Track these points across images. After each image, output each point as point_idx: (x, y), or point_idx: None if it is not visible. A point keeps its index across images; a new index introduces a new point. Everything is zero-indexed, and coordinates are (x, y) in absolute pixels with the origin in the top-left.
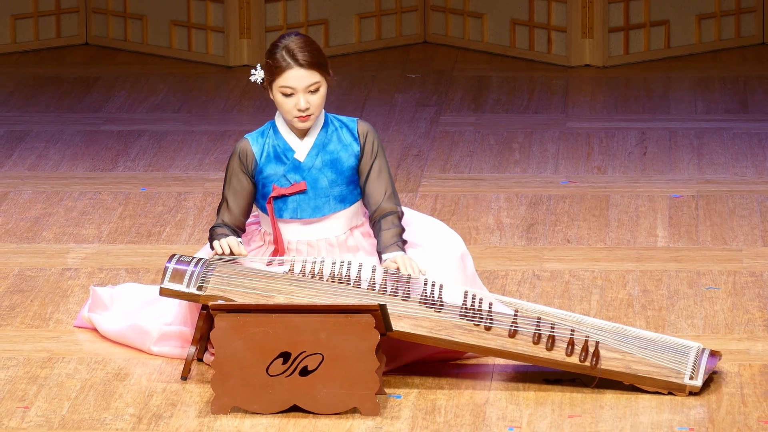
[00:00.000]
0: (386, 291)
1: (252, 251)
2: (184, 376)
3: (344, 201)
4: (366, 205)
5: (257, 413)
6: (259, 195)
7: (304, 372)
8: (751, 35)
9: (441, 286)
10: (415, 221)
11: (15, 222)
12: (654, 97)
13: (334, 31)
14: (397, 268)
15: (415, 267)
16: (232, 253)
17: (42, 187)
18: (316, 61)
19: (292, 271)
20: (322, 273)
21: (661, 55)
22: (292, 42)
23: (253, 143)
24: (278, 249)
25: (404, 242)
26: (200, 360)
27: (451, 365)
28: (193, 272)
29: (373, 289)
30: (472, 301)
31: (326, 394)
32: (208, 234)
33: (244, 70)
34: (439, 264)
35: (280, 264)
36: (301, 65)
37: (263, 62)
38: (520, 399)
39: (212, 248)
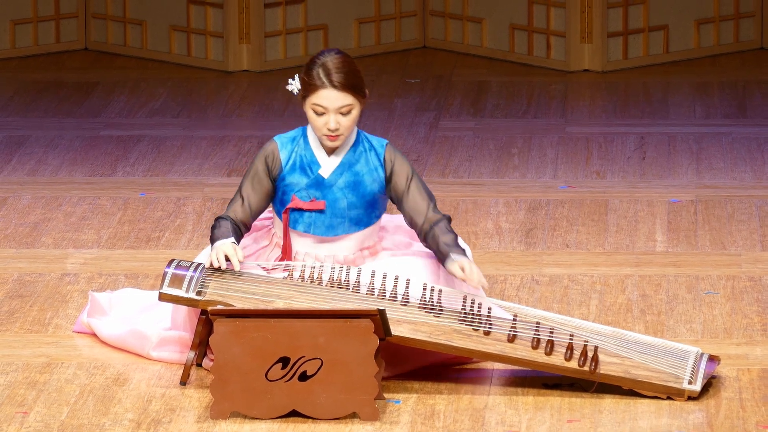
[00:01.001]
0: (385, 296)
1: (258, 250)
2: (183, 382)
3: (359, 224)
4: (412, 224)
5: (256, 418)
6: (277, 200)
7: (303, 377)
8: (749, 40)
9: (440, 290)
10: None
11: (14, 227)
12: (653, 102)
13: (333, 36)
14: (462, 274)
15: (480, 278)
16: (227, 258)
17: (41, 192)
18: (351, 84)
19: (291, 276)
20: (321, 278)
21: (660, 60)
22: (330, 61)
23: (282, 148)
24: (285, 257)
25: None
26: (199, 365)
27: (450, 370)
28: (192, 277)
29: (372, 294)
30: (471, 306)
31: (325, 399)
32: (208, 238)
33: (243, 75)
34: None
35: (276, 269)
36: (334, 86)
37: (301, 73)
38: (519, 404)
39: (211, 243)
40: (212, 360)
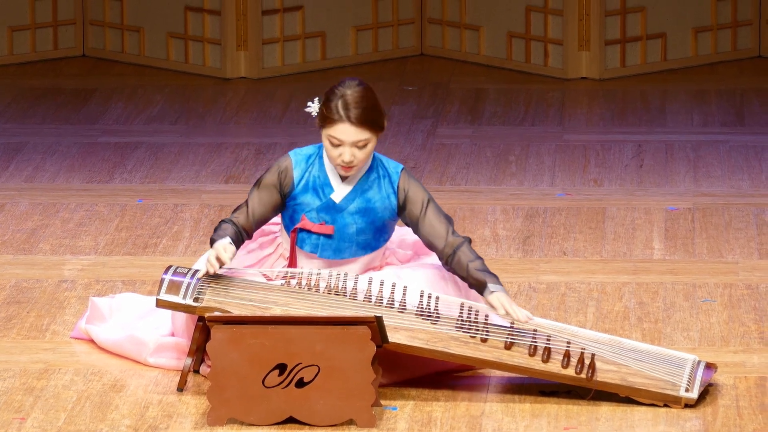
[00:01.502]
0: (382, 303)
1: (263, 258)
2: (180, 388)
3: (367, 248)
4: (432, 248)
5: (253, 425)
6: (287, 216)
7: (300, 383)
8: (747, 48)
9: (437, 298)
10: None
11: (11, 233)
12: (650, 110)
13: (330, 44)
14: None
15: (522, 313)
16: (219, 261)
17: (39, 198)
18: (369, 119)
19: (288, 283)
20: (318, 285)
21: (657, 67)
22: (350, 94)
23: (296, 166)
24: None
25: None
26: (197, 371)
27: (447, 377)
28: (189, 284)
29: (370, 301)
30: (468, 313)
31: (322, 406)
32: (206, 245)
33: (240, 82)
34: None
35: (270, 277)
36: (352, 122)
37: (321, 102)
38: (516, 411)
39: (211, 244)
40: (209, 366)
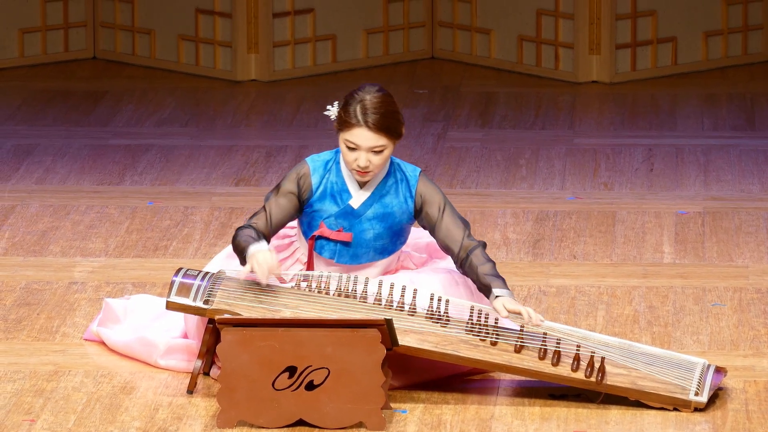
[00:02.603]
0: (392, 306)
1: (279, 262)
2: (190, 390)
3: (384, 252)
4: (447, 251)
5: (263, 427)
6: (305, 223)
7: (310, 386)
8: (758, 52)
9: (447, 301)
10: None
11: (22, 235)
12: (661, 114)
13: (341, 46)
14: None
15: (533, 315)
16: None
17: (49, 200)
18: (386, 125)
19: (298, 285)
20: (328, 287)
21: (668, 71)
22: (369, 100)
23: (314, 173)
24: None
25: (505, 280)
26: (206, 374)
27: (456, 380)
28: (199, 286)
29: (380, 304)
30: (478, 316)
31: (332, 409)
32: (216, 248)
33: (251, 85)
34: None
35: (285, 280)
36: (369, 127)
37: (339, 105)
38: (526, 414)
39: (237, 251)
40: (219, 368)
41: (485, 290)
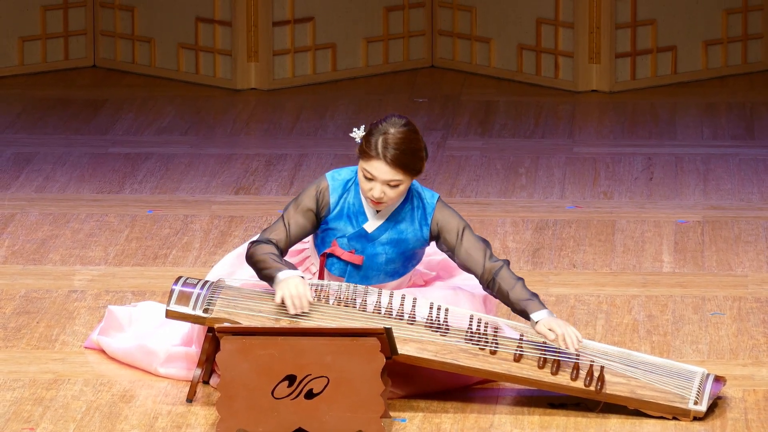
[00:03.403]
0: (392, 314)
1: None
2: (190, 399)
3: (395, 275)
4: (470, 272)
5: None
6: (319, 238)
7: (310, 395)
8: (758, 61)
9: (447, 309)
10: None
11: (21, 244)
12: (660, 123)
13: (341, 55)
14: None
15: (574, 338)
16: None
17: (49, 209)
18: (405, 163)
19: None
20: (328, 296)
21: (667, 80)
22: (392, 134)
23: (332, 192)
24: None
25: (537, 295)
26: (206, 382)
27: (456, 389)
28: (199, 294)
29: (379, 313)
30: (478, 325)
31: (331, 417)
32: (218, 254)
33: (251, 94)
34: (462, 296)
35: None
36: (387, 162)
37: (364, 133)
38: (525, 423)
39: (259, 269)
40: (219, 377)
41: (523, 315)
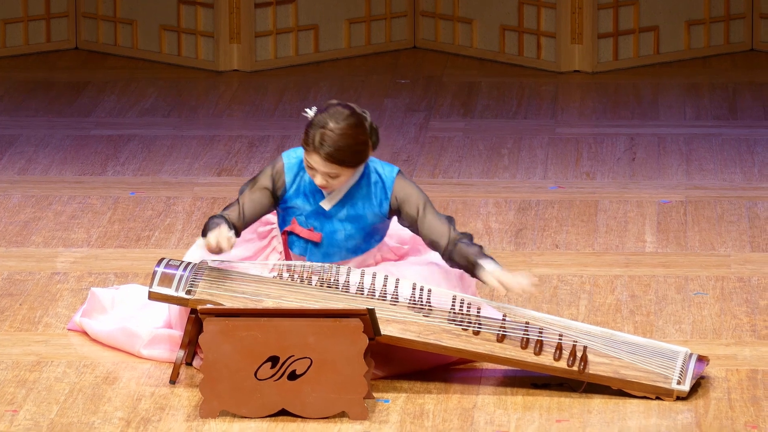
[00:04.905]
0: (374, 295)
1: (258, 250)
2: (173, 380)
3: (357, 251)
4: (434, 247)
5: (246, 417)
6: (281, 216)
7: (293, 376)
8: (740, 41)
9: (429, 290)
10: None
11: (4, 226)
12: (643, 103)
13: (323, 36)
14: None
15: (519, 284)
16: (219, 249)
17: (31, 191)
18: (341, 159)
19: (281, 275)
20: (311, 277)
21: (650, 61)
22: (330, 130)
23: (288, 171)
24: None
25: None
26: (189, 364)
27: (439, 369)
28: (182, 276)
29: (362, 294)
30: (461, 306)
31: (314, 398)
32: (197, 237)
33: (233, 75)
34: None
35: (267, 268)
36: (323, 158)
37: (315, 112)
38: (508, 403)
39: (203, 236)
40: (202, 359)
41: (472, 269)
